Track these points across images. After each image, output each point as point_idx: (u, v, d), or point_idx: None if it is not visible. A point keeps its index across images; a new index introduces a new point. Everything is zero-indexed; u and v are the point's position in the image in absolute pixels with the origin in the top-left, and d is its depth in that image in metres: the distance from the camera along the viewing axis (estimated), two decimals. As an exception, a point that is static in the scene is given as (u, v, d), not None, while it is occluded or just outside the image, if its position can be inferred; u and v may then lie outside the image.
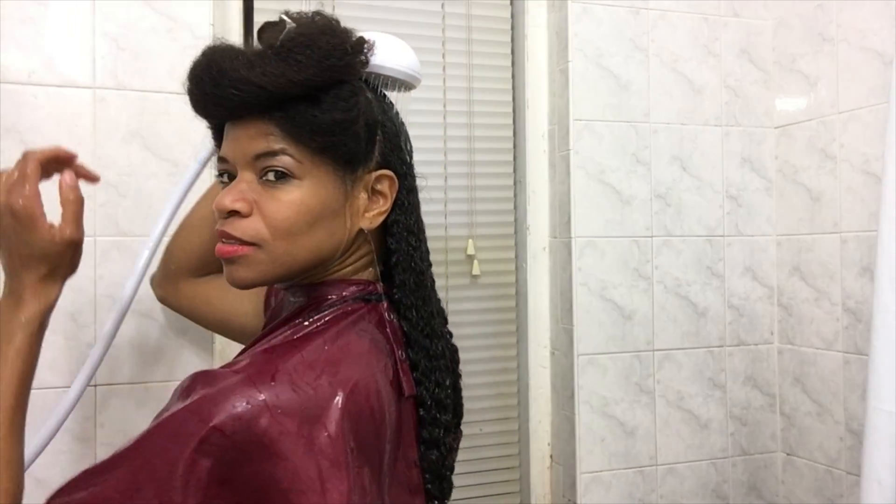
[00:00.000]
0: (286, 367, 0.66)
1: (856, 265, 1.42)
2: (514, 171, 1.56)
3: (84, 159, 1.15)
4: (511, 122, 1.56)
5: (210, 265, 1.04)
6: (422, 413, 0.79)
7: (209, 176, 1.05)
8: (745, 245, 1.59)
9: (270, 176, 0.72)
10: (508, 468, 1.55)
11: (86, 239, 1.13)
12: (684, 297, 1.54)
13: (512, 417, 1.55)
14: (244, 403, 0.62)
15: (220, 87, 0.70)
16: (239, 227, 0.72)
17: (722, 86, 1.58)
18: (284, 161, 0.71)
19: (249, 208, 0.72)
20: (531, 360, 1.53)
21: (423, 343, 0.80)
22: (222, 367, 0.69)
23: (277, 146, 0.71)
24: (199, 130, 1.09)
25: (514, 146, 1.56)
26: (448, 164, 1.49)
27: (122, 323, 0.90)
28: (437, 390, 0.79)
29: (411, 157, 0.83)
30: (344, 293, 0.77)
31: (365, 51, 0.75)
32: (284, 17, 0.74)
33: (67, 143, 1.14)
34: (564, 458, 1.49)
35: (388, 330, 0.78)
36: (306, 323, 0.74)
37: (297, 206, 0.72)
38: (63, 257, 0.73)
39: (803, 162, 1.54)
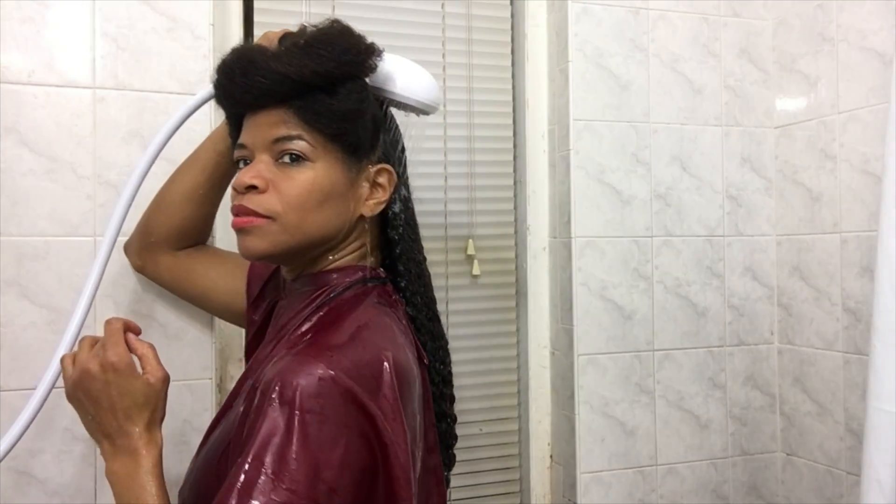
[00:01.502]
0: (334, 342, 0.75)
1: (856, 265, 1.42)
2: (514, 171, 1.56)
3: (84, 159, 1.17)
4: (511, 122, 1.55)
5: (189, 239, 1.10)
6: (432, 389, 0.88)
7: (184, 145, 1.05)
8: (745, 245, 1.59)
9: (286, 158, 0.80)
10: (508, 468, 1.55)
11: (86, 239, 1.15)
12: (684, 297, 1.54)
13: (512, 417, 1.55)
14: (316, 380, 0.69)
15: (249, 76, 0.78)
16: (255, 201, 0.79)
17: (722, 86, 1.58)
18: (300, 145, 0.79)
19: (266, 185, 0.79)
20: (531, 360, 1.53)
21: (428, 326, 0.90)
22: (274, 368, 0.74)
23: (294, 132, 0.79)
24: (199, 131, 1.09)
25: (514, 146, 1.56)
26: (448, 164, 1.49)
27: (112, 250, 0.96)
28: (441, 367, 0.91)
29: (406, 161, 0.92)
30: (351, 278, 0.85)
31: (376, 53, 0.83)
32: (306, 25, 0.84)
33: (67, 143, 1.15)
34: (564, 458, 1.49)
35: (399, 309, 0.87)
36: (327, 306, 0.82)
37: (309, 184, 0.80)
38: (160, 397, 0.81)
39: (803, 162, 1.54)
